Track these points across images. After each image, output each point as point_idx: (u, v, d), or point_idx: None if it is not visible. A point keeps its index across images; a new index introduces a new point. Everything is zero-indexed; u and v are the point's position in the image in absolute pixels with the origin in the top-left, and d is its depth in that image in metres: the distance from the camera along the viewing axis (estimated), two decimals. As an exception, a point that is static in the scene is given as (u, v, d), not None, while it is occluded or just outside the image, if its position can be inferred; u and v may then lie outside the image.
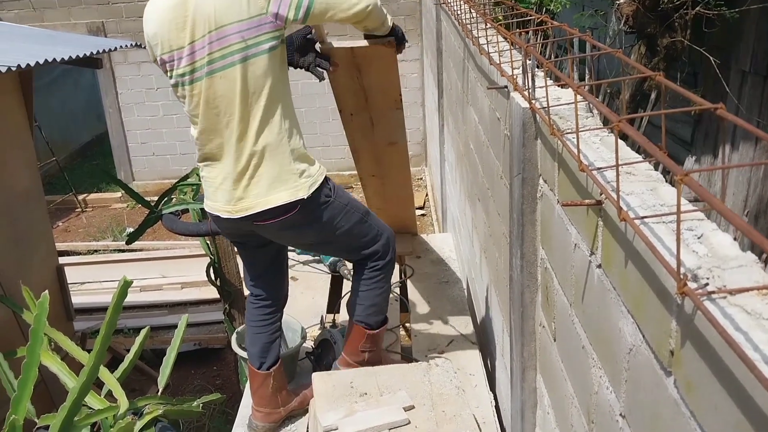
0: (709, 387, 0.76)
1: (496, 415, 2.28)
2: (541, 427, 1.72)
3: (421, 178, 7.79)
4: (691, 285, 0.78)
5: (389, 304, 2.47)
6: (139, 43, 4.48)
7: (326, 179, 2.20)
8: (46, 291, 2.57)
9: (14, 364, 2.84)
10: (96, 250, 6.59)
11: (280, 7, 1.93)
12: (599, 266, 1.14)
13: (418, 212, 6.90)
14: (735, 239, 0.85)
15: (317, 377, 2.20)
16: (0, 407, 3.19)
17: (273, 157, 2.06)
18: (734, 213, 0.66)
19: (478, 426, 1.98)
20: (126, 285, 2.44)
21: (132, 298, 2.61)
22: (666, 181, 1.08)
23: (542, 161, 1.51)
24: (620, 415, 1.08)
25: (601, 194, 1.08)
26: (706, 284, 0.77)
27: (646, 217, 0.95)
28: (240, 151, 2.05)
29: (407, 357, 2.75)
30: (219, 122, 2.04)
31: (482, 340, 2.81)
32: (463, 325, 2.89)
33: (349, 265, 3.74)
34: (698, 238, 0.88)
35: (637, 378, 1.00)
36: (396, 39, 2.28)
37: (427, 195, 7.13)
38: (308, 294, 3.36)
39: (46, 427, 2.43)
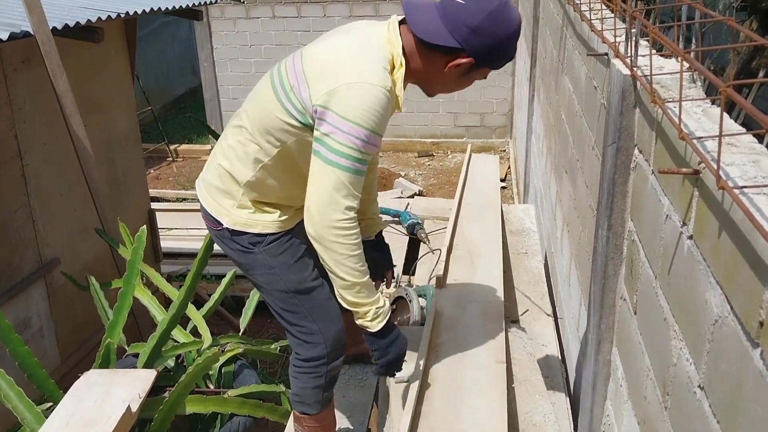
0: (799, 358, 0.75)
1: (566, 386, 2.28)
2: (612, 399, 1.72)
3: (505, 150, 7.71)
4: (790, 255, 0.77)
5: (322, 399, 2.14)
6: (238, -2, 4.58)
7: (266, 236, 1.94)
8: (144, 226, 2.73)
9: (108, 295, 3.04)
10: (184, 199, 6.86)
11: (317, 118, 1.71)
12: (690, 237, 1.13)
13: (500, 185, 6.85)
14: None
15: (392, 331, 2.26)
16: (95, 333, 3.42)
17: (229, 176, 1.94)
18: None
19: (548, 393, 2.00)
20: (217, 227, 2.56)
21: (215, 246, 2.73)
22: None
23: (639, 130, 1.48)
24: (698, 386, 1.08)
25: (699, 163, 1.07)
26: (806, 255, 0.76)
27: (745, 187, 0.93)
28: (227, 140, 1.97)
29: (480, 322, 2.77)
30: (244, 106, 1.97)
31: (557, 312, 2.80)
32: (538, 296, 2.88)
33: (428, 229, 3.78)
34: (800, 211, 0.86)
35: (721, 349, 0.99)
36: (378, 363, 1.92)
37: (509, 167, 7.06)
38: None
39: (136, 355, 2.59)
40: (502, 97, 7.60)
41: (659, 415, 1.28)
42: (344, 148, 1.66)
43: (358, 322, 1.84)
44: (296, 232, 2.01)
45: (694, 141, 1.08)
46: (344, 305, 1.84)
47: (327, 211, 1.68)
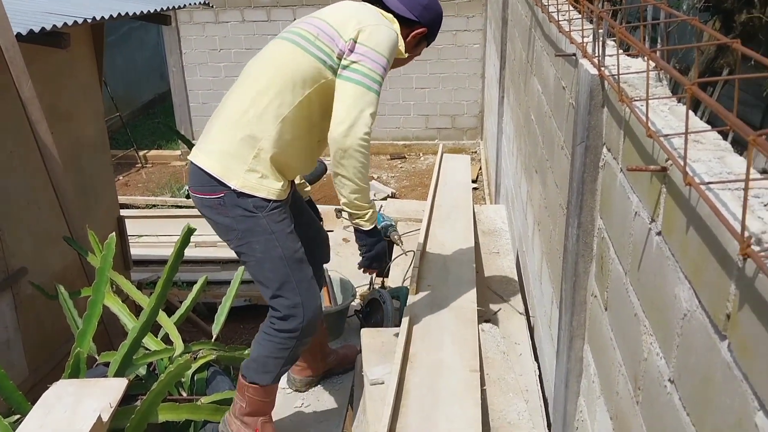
0: (765, 349, 0.76)
1: (539, 383, 2.30)
2: (585, 395, 1.74)
3: (476, 152, 7.75)
4: (755, 248, 0.78)
5: (277, 373, 2.22)
6: (207, 2, 4.55)
7: (269, 201, 2.09)
8: (113, 233, 2.69)
9: (77, 304, 2.99)
10: (154, 205, 6.78)
11: (347, 50, 2.03)
12: (659, 233, 1.15)
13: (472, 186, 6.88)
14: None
15: (366, 333, 2.26)
16: (64, 343, 3.37)
17: (243, 139, 2.06)
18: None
19: (521, 391, 2.01)
20: (189, 232, 2.54)
21: (187, 252, 2.69)
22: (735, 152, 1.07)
23: (607, 129, 1.50)
24: (669, 380, 1.09)
25: (667, 160, 1.08)
26: (770, 247, 0.77)
27: (711, 182, 0.95)
28: (233, 110, 2.11)
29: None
30: (248, 76, 2.14)
31: (530, 311, 2.82)
32: (511, 295, 2.90)
33: (401, 231, 3.78)
34: (765, 205, 0.88)
35: (690, 343, 1.01)
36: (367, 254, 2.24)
37: (480, 169, 7.10)
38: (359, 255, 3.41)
39: (106, 364, 2.55)
40: (472, 99, 7.65)
41: (631, 410, 1.29)
42: (373, 73, 2.01)
43: (355, 221, 2.17)
44: (287, 207, 2.19)
45: (661, 138, 1.09)
46: (346, 209, 2.13)
47: (358, 125, 1.98)
